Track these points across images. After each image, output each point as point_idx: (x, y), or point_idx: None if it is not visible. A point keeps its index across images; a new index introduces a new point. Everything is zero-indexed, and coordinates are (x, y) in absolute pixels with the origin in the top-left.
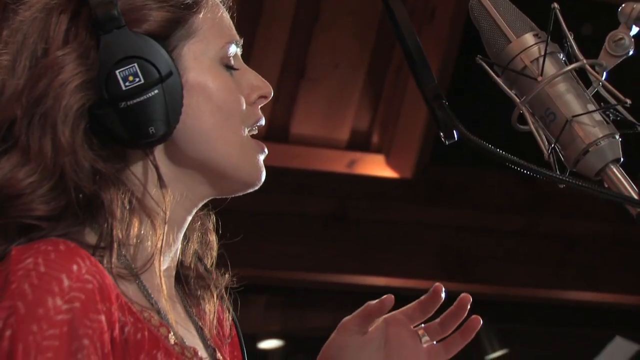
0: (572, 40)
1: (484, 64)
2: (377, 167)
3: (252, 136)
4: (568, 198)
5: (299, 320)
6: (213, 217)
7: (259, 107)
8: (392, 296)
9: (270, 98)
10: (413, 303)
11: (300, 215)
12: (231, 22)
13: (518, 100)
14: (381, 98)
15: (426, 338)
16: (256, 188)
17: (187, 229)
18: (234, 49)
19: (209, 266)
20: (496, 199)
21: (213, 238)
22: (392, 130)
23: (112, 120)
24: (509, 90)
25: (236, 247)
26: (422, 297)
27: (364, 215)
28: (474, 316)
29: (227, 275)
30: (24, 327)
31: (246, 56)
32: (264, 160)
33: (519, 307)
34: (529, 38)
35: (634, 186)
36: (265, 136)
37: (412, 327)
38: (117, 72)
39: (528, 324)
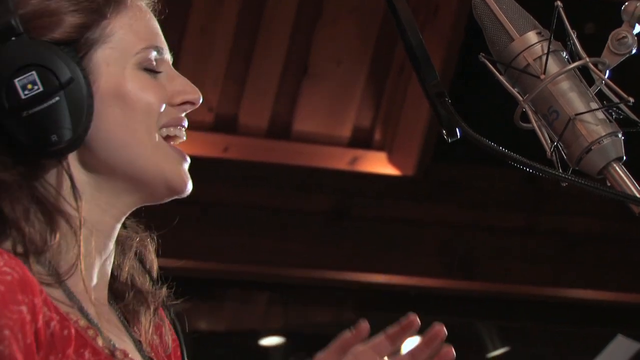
0: (575, 39)
1: (487, 62)
2: (379, 164)
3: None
4: (570, 196)
5: (301, 317)
6: (155, 237)
7: (185, 112)
8: (367, 324)
9: (198, 105)
10: (381, 335)
11: (302, 212)
12: (157, 29)
13: (521, 98)
14: (384, 95)
15: None
16: (183, 196)
17: (124, 243)
18: (155, 54)
19: (149, 284)
20: (498, 196)
21: (153, 257)
22: (395, 128)
23: (15, 130)
24: (511, 88)
25: (239, 244)
26: (391, 329)
27: (366, 212)
28: (446, 349)
29: (164, 289)
30: None
31: (248, 53)
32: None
33: (520, 305)
34: (531, 36)
35: (637, 184)
36: (268, 133)
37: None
38: (15, 81)
39: (529, 322)
